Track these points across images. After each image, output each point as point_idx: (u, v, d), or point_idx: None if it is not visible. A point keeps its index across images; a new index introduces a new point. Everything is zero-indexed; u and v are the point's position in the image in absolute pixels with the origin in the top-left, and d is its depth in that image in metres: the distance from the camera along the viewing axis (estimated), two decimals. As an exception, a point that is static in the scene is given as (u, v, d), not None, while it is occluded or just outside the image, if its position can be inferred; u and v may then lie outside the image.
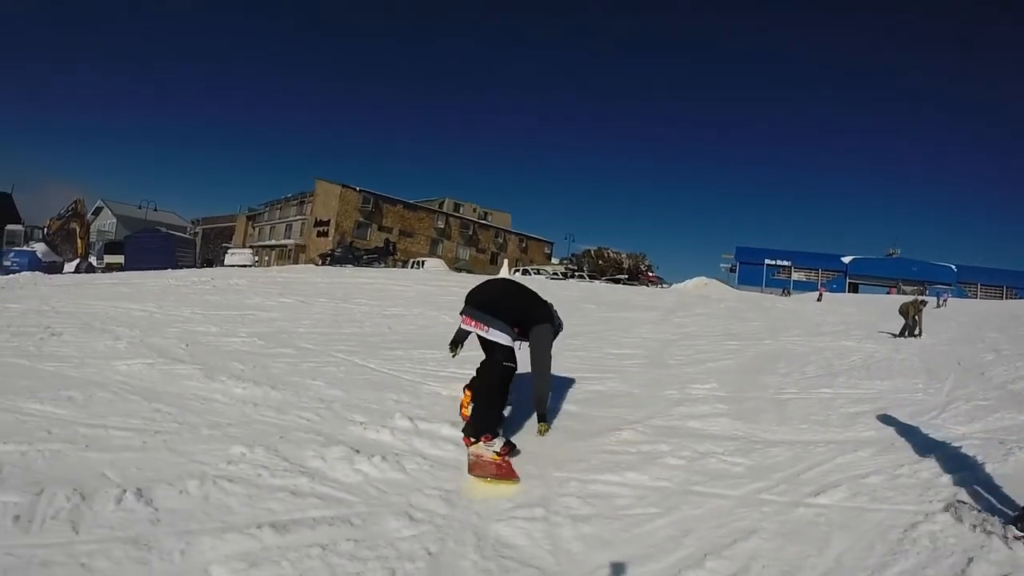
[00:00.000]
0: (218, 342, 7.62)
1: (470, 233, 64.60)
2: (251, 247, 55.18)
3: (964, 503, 3.22)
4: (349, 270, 26.92)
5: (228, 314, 10.28)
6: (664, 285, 43.30)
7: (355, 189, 55.70)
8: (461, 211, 66.43)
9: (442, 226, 61.96)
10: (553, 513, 3.13)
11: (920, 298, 15.78)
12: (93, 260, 32.27)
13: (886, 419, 5.38)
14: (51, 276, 18.93)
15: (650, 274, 48.46)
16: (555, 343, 4.58)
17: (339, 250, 38.45)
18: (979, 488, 3.57)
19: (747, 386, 6.95)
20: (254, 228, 70.49)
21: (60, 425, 4.02)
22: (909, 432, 4.91)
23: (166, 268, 24.97)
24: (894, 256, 65.37)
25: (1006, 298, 53.09)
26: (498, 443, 4.12)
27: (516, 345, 4.43)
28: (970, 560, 2.74)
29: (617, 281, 41.57)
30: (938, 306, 28.40)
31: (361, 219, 55.93)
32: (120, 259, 30.95)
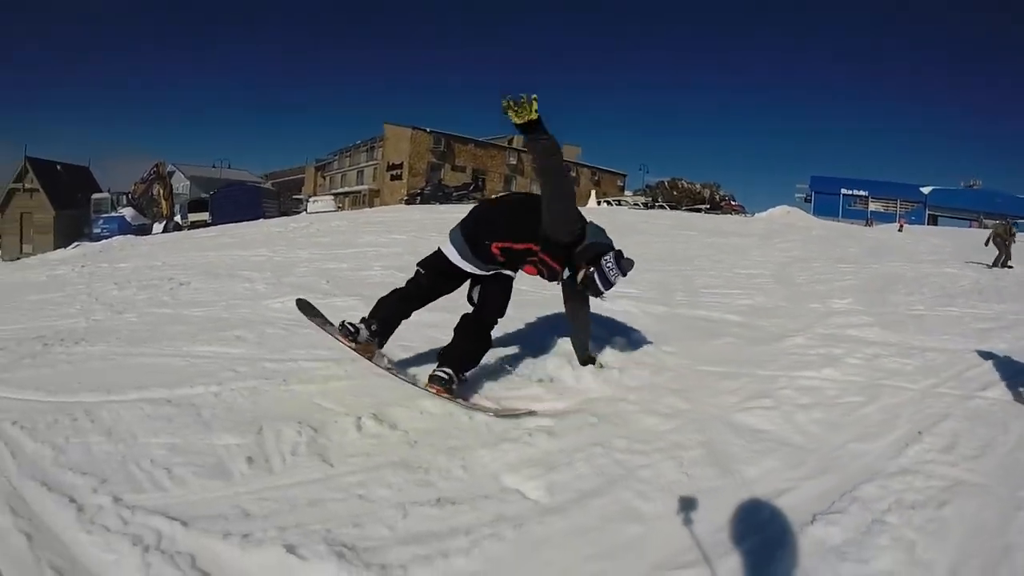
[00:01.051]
0: (356, 276, 7.52)
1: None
2: (332, 193, 55.95)
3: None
4: (441, 207, 26.80)
5: (348, 251, 10.31)
6: (747, 214, 41.39)
7: (425, 130, 55.02)
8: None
9: (514, 162, 60.72)
10: (780, 403, 3.29)
11: (1012, 225, 15.14)
12: (178, 219, 33.38)
13: (1016, 334, 5.57)
14: (144, 237, 19.56)
15: (732, 202, 46.28)
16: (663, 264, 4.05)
17: (428, 188, 38.15)
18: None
19: (879, 303, 7.14)
20: (323, 178, 71.53)
21: (243, 363, 3.86)
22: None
23: (254, 219, 25.43)
24: (976, 187, 60.81)
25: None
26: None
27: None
28: None
29: (698, 210, 40.38)
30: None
31: (434, 160, 55.39)
32: (205, 216, 31.37)
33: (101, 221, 29.20)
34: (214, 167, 63.16)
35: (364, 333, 3.30)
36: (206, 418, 2.96)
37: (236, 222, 22.37)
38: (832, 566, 1.91)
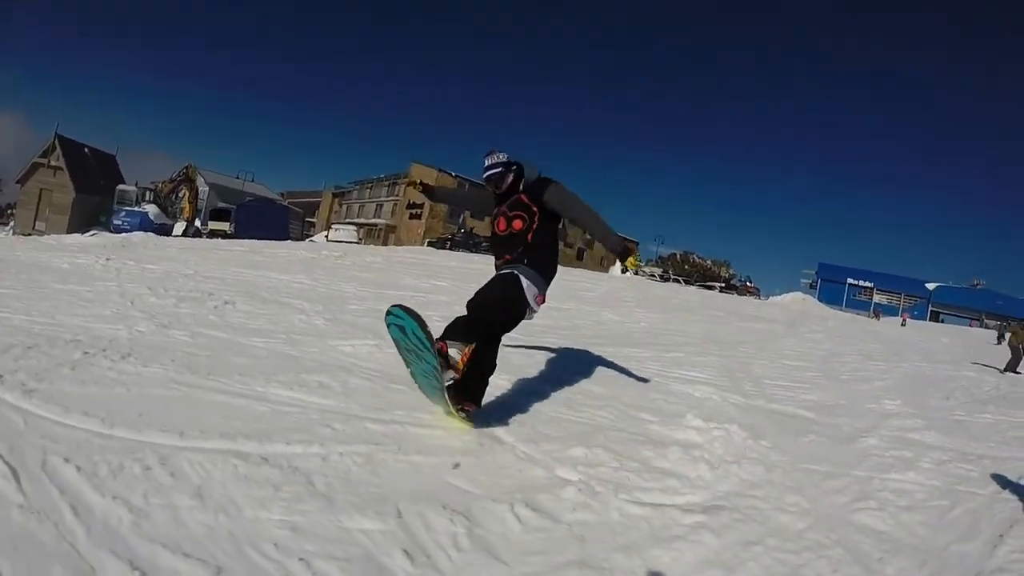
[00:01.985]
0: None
1: (560, 227, 63.52)
2: (350, 223, 55.78)
3: None
4: (473, 256, 26.33)
5: (395, 293, 9.71)
6: (761, 296, 41.33)
7: (451, 174, 55.60)
8: None
9: None
10: (884, 505, 3.37)
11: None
12: (198, 224, 32.78)
13: None
14: (167, 239, 18.99)
15: (748, 284, 46.32)
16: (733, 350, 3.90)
17: (460, 235, 37.87)
18: None
19: (923, 406, 7.25)
20: (340, 205, 71.73)
21: (338, 419, 3.33)
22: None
23: (279, 239, 24.82)
24: (979, 287, 61.89)
25: None
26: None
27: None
28: None
29: (711, 287, 40.39)
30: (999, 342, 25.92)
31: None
32: (225, 226, 30.98)
33: (123, 213, 28.41)
34: (237, 177, 63.16)
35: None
36: (321, 489, 2.47)
37: (259, 238, 21.77)
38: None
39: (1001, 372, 13.40)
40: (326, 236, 37.14)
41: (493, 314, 3.53)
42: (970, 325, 47.27)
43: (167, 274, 8.51)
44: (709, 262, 59.00)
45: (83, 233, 17.73)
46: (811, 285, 63.75)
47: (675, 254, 61.96)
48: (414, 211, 55.17)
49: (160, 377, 3.66)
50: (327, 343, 5.32)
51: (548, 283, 3.86)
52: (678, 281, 41.54)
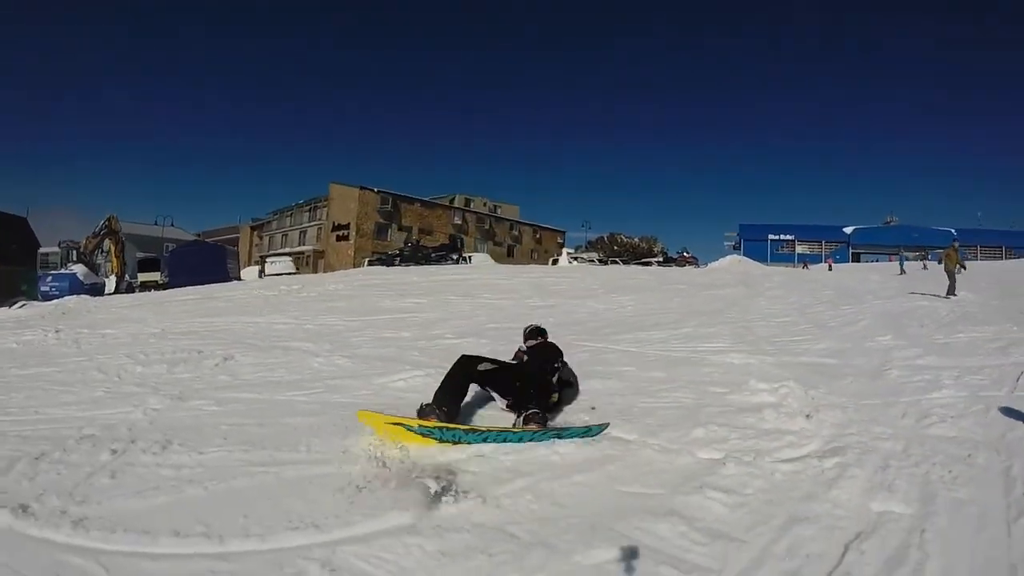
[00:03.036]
0: (444, 344, 6.57)
1: (486, 227, 62.56)
2: (283, 254, 53.11)
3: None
4: (431, 268, 25.31)
5: (385, 318, 9.03)
6: (701, 265, 41.86)
7: (373, 190, 53.57)
8: (472, 206, 64.54)
9: (459, 222, 59.91)
10: (943, 419, 3.87)
11: (957, 252, 15.54)
12: (128, 279, 30.10)
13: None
14: (109, 298, 17.24)
15: (686, 255, 47.23)
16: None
17: (408, 249, 36.47)
18: None
19: (907, 336, 7.83)
20: (260, 238, 68.48)
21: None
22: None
23: (218, 281, 22.97)
24: (893, 224, 64.31)
25: (1005, 258, 52.07)
26: None
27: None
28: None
29: (648, 263, 40.81)
30: (924, 268, 27.87)
31: (380, 220, 53.71)
32: (155, 276, 28.56)
33: (50, 278, 25.38)
34: (156, 223, 58.67)
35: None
36: (524, 536, 2.34)
37: (198, 284, 20.03)
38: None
39: (945, 297, 13.72)
40: (260, 272, 34.97)
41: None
42: (889, 260, 47.87)
43: (134, 337, 7.45)
44: (637, 240, 59.84)
45: (10, 306, 15.66)
46: (734, 247, 64.00)
47: (602, 237, 62.45)
48: (341, 232, 53.60)
49: (229, 463, 3.01)
50: (373, 382, 4.82)
51: None
52: (616, 262, 41.87)
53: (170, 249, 36.46)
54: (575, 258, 40.60)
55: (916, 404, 4.24)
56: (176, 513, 2.42)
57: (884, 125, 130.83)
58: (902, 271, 26.83)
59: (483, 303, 11.75)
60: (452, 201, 63.87)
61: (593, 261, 39.71)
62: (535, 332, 5.08)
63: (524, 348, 4.88)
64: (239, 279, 27.73)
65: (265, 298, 12.60)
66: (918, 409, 4.10)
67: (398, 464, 3.04)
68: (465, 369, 4.04)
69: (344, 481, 2.81)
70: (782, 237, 64.76)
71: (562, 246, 67.25)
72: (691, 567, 2.10)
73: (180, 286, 20.32)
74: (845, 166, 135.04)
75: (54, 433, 3.51)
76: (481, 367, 4.08)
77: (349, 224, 52.71)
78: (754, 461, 3.09)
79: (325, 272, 42.22)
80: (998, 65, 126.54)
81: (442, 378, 4.01)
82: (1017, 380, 4.87)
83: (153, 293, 18.35)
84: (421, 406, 3.70)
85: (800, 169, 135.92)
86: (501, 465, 3.07)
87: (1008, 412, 3.94)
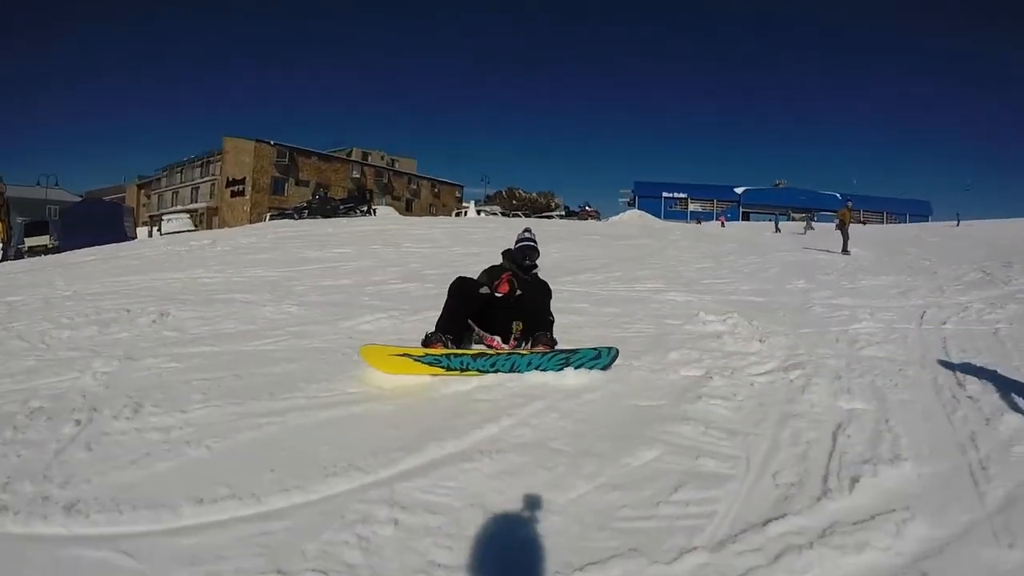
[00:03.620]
0: (392, 289, 6.40)
1: (384, 181, 59.22)
2: (180, 211, 48.21)
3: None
4: (343, 220, 23.86)
5: (321, 267, 8.59)
6: (602, 219, 41.74)
7: (269, 143, 49.26)
8: (369, 159, 61.29)
9: (357, 176, 56.43)
10: (870, 343, 4.41)
11: (849, 211, 16.23)
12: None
13: (920, 294, 6.92)
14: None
15: (588, 208, 47.47)
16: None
17: (316, 201, 33.75)
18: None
19: (817, 281, 8.30)
20: (148, 196, 62.13)
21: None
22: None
23: (117, 241, 20.25)
24: (782, 186, 66.32)
25: (886, 223, 54.29)
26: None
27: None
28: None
29: (549, 217, 40.69)
30: (811, 228, 28.02)
31: (277, 174, 49.62)
32: (45, 240, 24.76)
33: None
34: (38, 184, 51.02)
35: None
36: (582, 448, 2.46)
37: (94, 245, 17.71)
38: None
39: (841, 253, 13.98)
40: (154, 230, 31.61)
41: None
42: (777, 219, 52.24)
43: (46, 302, 6.36)
44: (535, 194, 59.50)
45: None
46: (628, 203, 64.15)
47: (500, 192, 61.76)
48: (235, 188, 49.54)
49: (222, 418, 2.67)
50: (339, 326, 4.58)
51: None
52: (518, 215, 41.58)
53: (57, 211, 32.15)
54: (480, 210, 39.95)
55: (844, 333, 4.74)
56: (186, 479, 2.08)
57: (776, 96, 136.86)
58: (776, 230, 28.41)
59: (410, 252, 11.36)
60: (349, 154, 60.62)
61: (496, 214, 39.22)
62: (532, 253, 4.20)
63: (523, 278, 4.03)
64: (135, 238, 25.02)
65: (178, 254, 11.34)
66: (847, 336, 4.61)
67: (412, 397, 2.92)
68: (463, 292, 3.75)
69: (363, 420, 2.68)
70: (676, 195, 65.40)
71: (460, 200, 65.98)
72: (724, 456, 2.35)
73: (74, 248, 17.94)
74: (738, 134, 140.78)
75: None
76: (482, 291, 3.76)
77: (244, 179, 48.59)
78: (733, 375, 3.45)
79: (220, 229, 39.24)
80: (877, 38, 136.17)
81: (442, 310, 3.76)
82: (921, 316, 5.45)
83: (48, 257, 16.07)
84: (426, 335, 3.55)
85: (695, 135, 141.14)
86: (511, 391, 3.06)
87: (920, 340, 4.55)
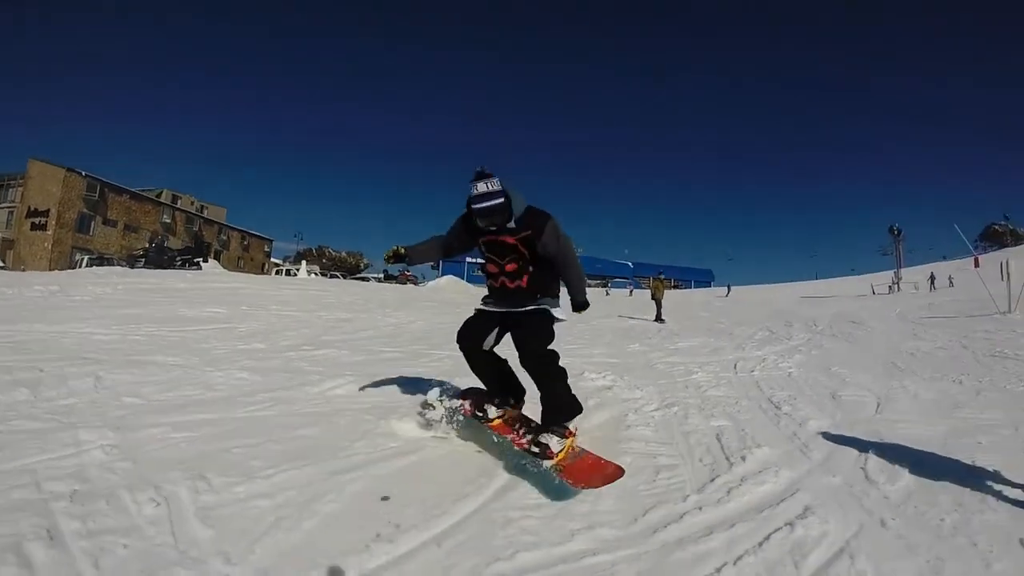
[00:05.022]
0: (317, 355, 6.26)
1: (195, 229, 52.46)
2: None
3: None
4: (188, 274, 20.28)
5: (214, 328, 7.75)
6: (421, 283, 40.11)
7: (80, 173, 41.03)
8: (180, 203, 53.85)
9: (168, 220, 49.41)
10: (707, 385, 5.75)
11: (660, 281, 15.93)
12: None
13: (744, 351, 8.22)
14: None
15: (407, 273, 46.23)
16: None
17: (152, 249, 27.81)
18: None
19: (638, 346, 8.84)
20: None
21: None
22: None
23: None
24: (579, 253, 69.52)
25: (673, 288, 56.94)
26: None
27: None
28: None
29: (366, 279, 38.93)
30: (630, 295, 30.26)
31: (85, 210, 41.37)
32: None
33: None
34: None
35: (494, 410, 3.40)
36: None
37: None
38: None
39: (654, 320, 14.23)
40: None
41: (549, 355, 3.11)
42: None
43: None
44: (344, 253, 56.85)
45: None
46: (432, 266, 60.73)
47: (311, 249, 58.16)
48: (37, 220, 39.92)
49: (307, 478, 2.74)
50: (312, 392, 4.45)
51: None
52: (336, 276, 39.24)
53: None
54: (311, 271, 37.08)
55: (689, 381, 5.71)
56: (341, 528, 2.28)
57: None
58: None
59: (282, 314, 10.28)
60: (159, 195, 52.72)
61: (314, 274, 36.62)
62: (486, 215, 3.00)
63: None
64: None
65: (34, 301, 9.14)
66: (693, 383, 5.63)
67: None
68: (479, 356, 3.24)
69: (435, 462, 3.07)
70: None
71: (268, 255, 60.97)
72: (669, 454, 3.39)
73: None
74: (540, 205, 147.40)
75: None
76: (487, 346, 3.21)
77: (49, 211, 39.81)
78: (638, 413, 4.35)
79: (14, 266, 31.44)
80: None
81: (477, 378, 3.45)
82: (735, 367, 6.69)
83: None
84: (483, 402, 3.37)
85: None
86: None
87: (741, 383, 5.70)
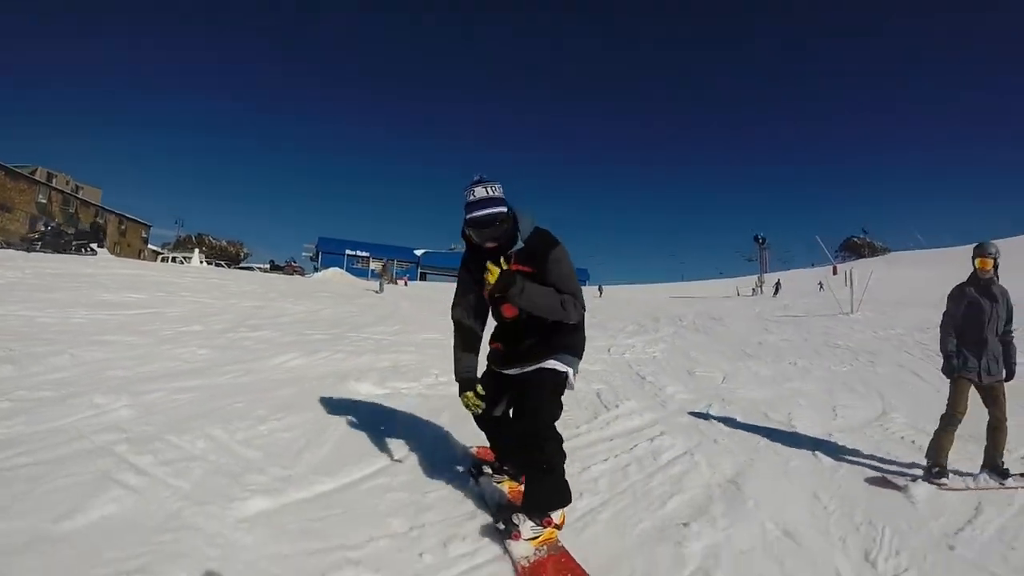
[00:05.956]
0: (254, 336, 6.70)
1: (71, 211, 46.22)
2: None
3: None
4: (87, 259, 18.08)
5: (142, 312, 7.63)
6: (307, 275, 37.90)
7: None
8: (54, 182, 47.08)
9: (44, 201, 43.25)
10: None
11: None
12: None
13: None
14: None
15: (294, 264, 43.54)
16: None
17: (49, 233, 24.00)
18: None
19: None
20: None
21: None
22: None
23: None
24: (457, 250, 67.01)
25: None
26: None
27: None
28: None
29: (251, 269, 36.59)
30: None
31: None
32: None
33: None
34: None
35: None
36: None
37: None
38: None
39: None
40: None
41: (548, 435, 2.44)
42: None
43: None
44: (224, 242, 53.33)
45: None
46: (311, 257, 59.11)
47: (190, 236, 54.08)
48: None
49: (320, 418, 3.60)
50: (269, 363, 5.14)
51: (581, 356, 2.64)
52: (221, 265, 36.90)
53: None
54: (204, 260, 34.61)
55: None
56: (359, 445, 3.27)
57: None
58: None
59: (198, 301, 9.97)
60: (34, 173, 46.50)
61: (202, 262, 34.13)
62: (483, 232, 2.40)
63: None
64: None
65: None
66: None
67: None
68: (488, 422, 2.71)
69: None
70: (358, 253, 61.58)
71: (146, 240, 55.78)
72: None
73: None
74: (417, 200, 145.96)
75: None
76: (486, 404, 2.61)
77: None
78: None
79: None
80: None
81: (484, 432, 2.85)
82: (609, 351, 7.96)
83: None
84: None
85: (374, 191, 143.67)
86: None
87: (614, 363, 6.88)
